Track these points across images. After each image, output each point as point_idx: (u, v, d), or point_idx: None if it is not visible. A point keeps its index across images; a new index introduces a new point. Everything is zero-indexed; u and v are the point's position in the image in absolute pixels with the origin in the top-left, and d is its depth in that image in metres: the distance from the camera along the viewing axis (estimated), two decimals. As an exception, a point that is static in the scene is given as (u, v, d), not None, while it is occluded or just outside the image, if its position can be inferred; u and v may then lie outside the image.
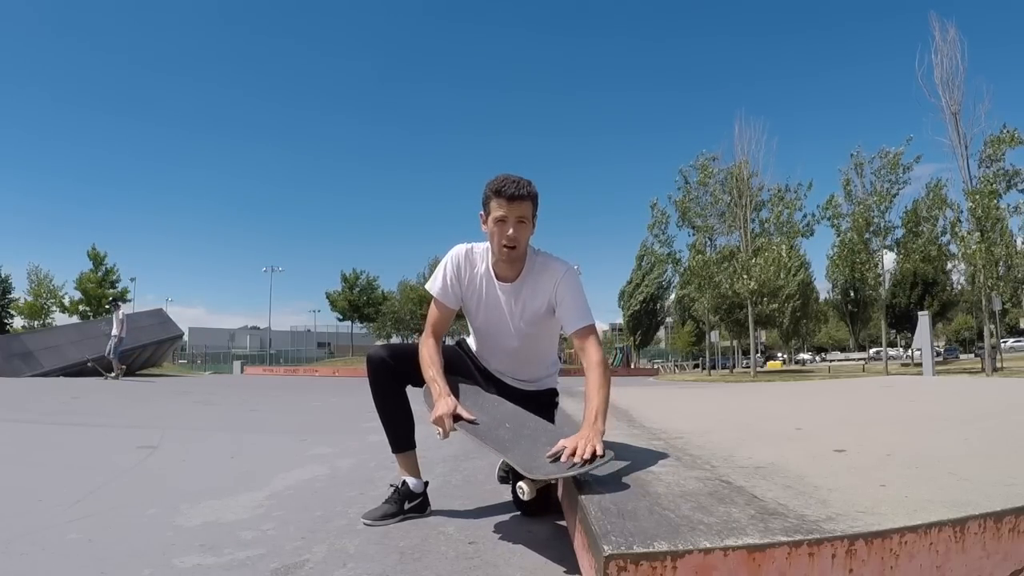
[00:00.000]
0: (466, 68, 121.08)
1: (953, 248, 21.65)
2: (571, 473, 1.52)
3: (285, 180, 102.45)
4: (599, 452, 1.54)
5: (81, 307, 37.33)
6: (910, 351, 38.18)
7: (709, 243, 27.03)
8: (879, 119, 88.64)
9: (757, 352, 33.76)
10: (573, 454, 1.53)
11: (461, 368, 2.10)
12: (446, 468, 2.93)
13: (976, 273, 20.27)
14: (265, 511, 2.15)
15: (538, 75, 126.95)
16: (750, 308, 26.40)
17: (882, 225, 23.10)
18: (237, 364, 34.44)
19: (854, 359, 51.96)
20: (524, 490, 1.61)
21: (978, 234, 19.16)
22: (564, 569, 1.54)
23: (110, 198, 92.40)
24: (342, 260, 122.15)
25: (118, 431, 4.64)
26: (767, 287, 26.48)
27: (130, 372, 17.19)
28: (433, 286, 2.04)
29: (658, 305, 46.71)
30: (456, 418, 1.76)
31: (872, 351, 51.25)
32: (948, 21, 21.13)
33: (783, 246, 25.68)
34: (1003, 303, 21.28)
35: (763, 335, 49.40)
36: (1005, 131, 19.04)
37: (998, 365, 20.35)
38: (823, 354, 69.01)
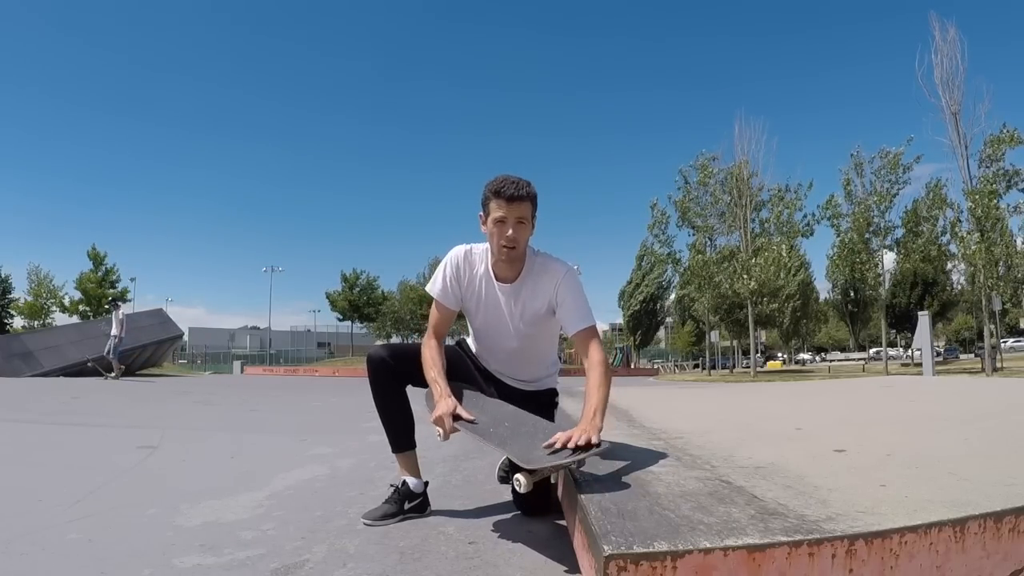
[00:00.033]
0: (466, 68, 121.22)
1: (953, 248, 21.66)
2: (566, 461, 1.54)
3: (285, 180, 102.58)
4: (594, 441, 1.57)
5: (81, 307, 37.31)
6: (910, 351, 38.18)
7: (709, 243, 27.05)
8: (879, 119, 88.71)
9: (757, 352, 33.76)
10: (568, 443, 1.55)
11: (461, 368, 2.10)
12: (446, 468, 2.93)
13: (976, 273, 20.27)
14: (265, 511, 2.15)
15: (538, 75, 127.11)
16: (750, 308, 26.41)
17: (882, 225, 23.12)
18: (237, 364, 34.44)
19: (854, 359, 51.96)
20: (521, 482, 1.62)
21: (978, 234, 19.16)
22: (564, 569, 1.54)
23: (110, 198, 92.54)
24: (342, 260, 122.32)
25: (118, 431, 4.64)
26: (767, 287, 26.51)
27: (130, 372, 17.21)
28: (433, 288, 2.05)
29: (658, 305, 46.72)
30: (456, 418, 1.76)
31: (872, 351, 51.25)
32: (948, 21, 21.18)
33: (783, 246, 25.68)
34: (1003, 303, 21.28)
35: (763, 335, 49.38)
36: (1005, 131, 19.05)
37: (998, 365, 20.35)
38: (823, 354, 69.01)
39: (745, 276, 24.93)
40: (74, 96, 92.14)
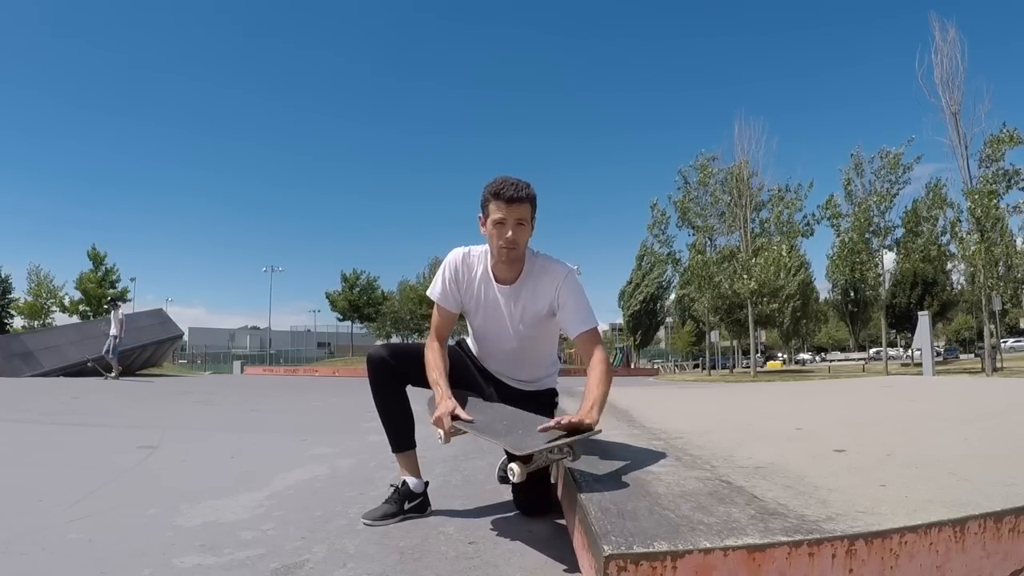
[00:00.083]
0: (466, 68, 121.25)
1: (953, 248, 21.65)
2: (559, 443, 1.56)
3: (285, 180, 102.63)
4: (588, 421, 1.60)
5: (81, 307, 37.30)
6: (910, 351, 38.17)
7: (709, 243, 27.04)
8: (879, 119, 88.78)
9: (757, 352, 33.76)
10: (561, 424, 1.58)
11: (461, 368, 2.10)
12: (446, 468, 2.93)
13: (976, 273, 20.26)
14: (265, 511, 2.15)
15: (538, 75, 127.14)
16: (750, 308, 26.41)
17: (882, 225, 23.11)
18: (237, 364, 34.43)
19: (854, 359, 51.95)
20: (515, 471, 1.63)
21: (978, 234, 19.16)
22: (564, 569, 1.54)
23: (110, 198, 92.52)
24: (342, 260, 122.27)
25: (118, 431, 4.64)
26: (767, 287, 26.49)
27: (130, 372, 17.21)
28: (433, 292, 2.06)
29: (658, 305, 46.72)
30: (455, 418, 1.77)
31: (872, 351, 51.25)
32: (948, 21, 21.17)
33: (783, 246, 25.67)
34: (1003, 303, 21.27)
35: (763, 335, 49.39)
36: (1004, 131, 19.04)
37: (998, 365, 20.35)
38: (823, 354, 69.01)
39: (745, 276, 24.93)
40: (74, 96, 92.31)
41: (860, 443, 2.20)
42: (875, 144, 33.76)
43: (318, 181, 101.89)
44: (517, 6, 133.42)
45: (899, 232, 23.24)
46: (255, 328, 67.21)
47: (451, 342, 2.28)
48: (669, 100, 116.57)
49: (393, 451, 2.09)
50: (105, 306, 30.51)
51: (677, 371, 42.88)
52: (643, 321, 45.67)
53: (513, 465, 1.63)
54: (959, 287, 34.28)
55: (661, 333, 55.88)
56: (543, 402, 2.14)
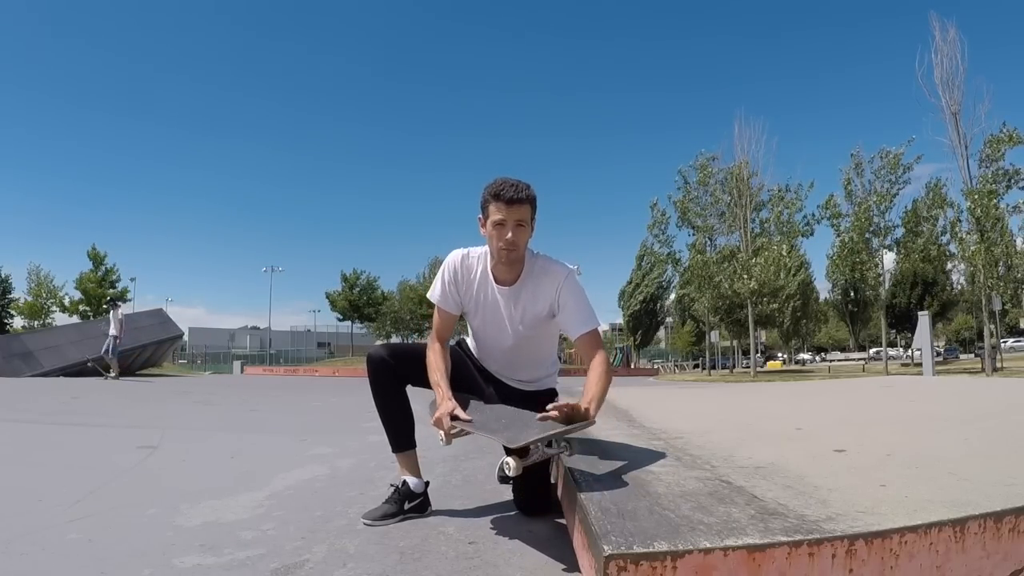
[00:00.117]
0: (466, 69, 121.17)
1: (953, 248, 21.65)
2: (553, 432, 1.57)
3: (285, 180, 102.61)
4: (584, 406, 1.62)
5: (81, 307, 37.30)
6: (910, 351, 38.15)
7: (709, 243, 27.04)
8: (879, 119, 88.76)
9: (757, 352, 33.76)
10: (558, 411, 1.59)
11: (462, 368, 2.10)
12: (446, 468, 2.93)
13: (976, 273, 20.26)
14: (265, 511, 2.15)
15: (538, 75, 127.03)
16: (750, 308, 26.41)
17: (882, 225, 23.11)
18: (237, 364, 34.41)
19: (854, 359, 51.95)
20: (511, 465, 1.64)
21: (978, 234, 19.16)
22: (564, 568, 1.54)
23: (110, 198, 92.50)
24: (342, 260, 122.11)
25: (118, 431, 4.64)
26: (767, 287, 26.48)
27: (130, 372, 17.22)
28: (433, 294, 2.06)
29: (658, 305, 46.71)
30: (454, 418, 1.77)
31: (872, 351, 51.24)
32: (948, 21, 21.15)
33: (783, 246, 25.68)
34: (1003, 303, 21.27)
35: (763, 335, 49.40)
36: (1004, 130, 19.04)
37: (998, 365, 20.34)
38: (823, 354, 69.01)
39: (745, 276, 24.93)
40: (74, 96, 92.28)
41: (860, 443, 2.20)
42: (875, 144, 33.81)
43: (318, 181, 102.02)
44: (517, 6, 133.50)
45: (899, 232, 23.26)
46: (255, 328, 67.20)
47: (451, 342, 2.29)
48: (669, 100, 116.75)
49: (393, 451, 2.09)
50: (104, 306, 30.50)
51: (677, 371, 42.89)
52: (643, 321, 45.66)
53: (509, 459, 1.64)
54: (959, 287, 34.30)
55: (661, 333, 55.88)
56: (543, 402, 2.13)
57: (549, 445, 1.76)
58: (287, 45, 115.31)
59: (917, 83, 21.26)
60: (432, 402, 1.92)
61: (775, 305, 33.51)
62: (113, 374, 12.90)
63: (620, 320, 51.32)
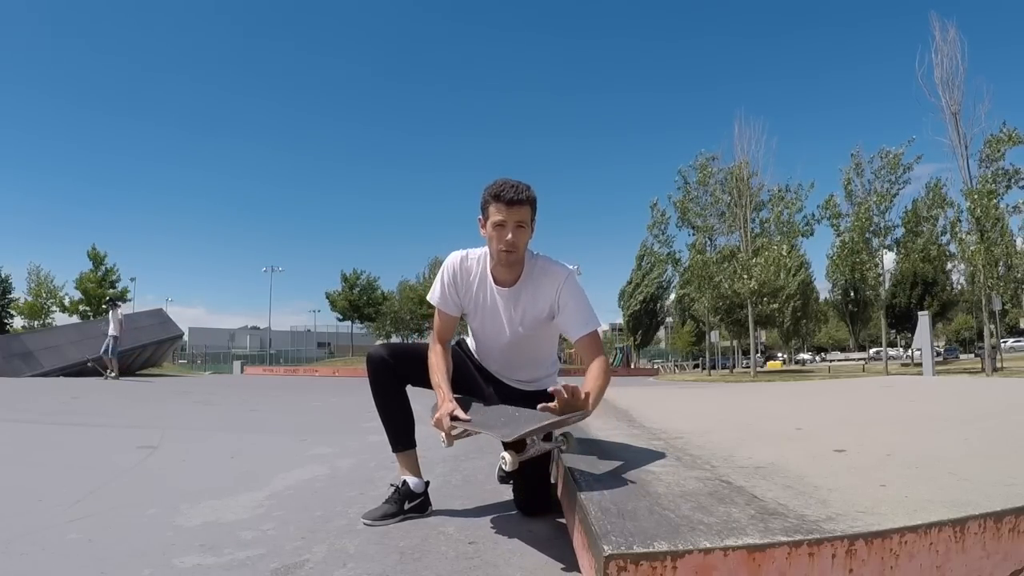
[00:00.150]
0: (466, 69, 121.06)
1: (953, 248, 21.66)
2: (546, 423, 1.58)
3: (285, 180, 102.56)
4: (584, 391, 1.63)
5: (81, 307, 37.30)
6: (910, 351, 38.15)
7: (709, 243, 27.05)
8: (879, 119, 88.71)
9: (757, 352, 33.76)
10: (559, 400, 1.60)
11: (462, 368, 2.11)
12: (446, 468, 2.93)
13: (976, 273, 20.26)
14: (265, 511, 2.15)
15: (538, 75, 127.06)
16: (750, 308, 26.41)
17: (882, 225, 23.12)
18: (237, 364, 34.42)
19: (854, 359, 51.94)
20: (507, 459, 1.65)
21: (977, 234, 19.16)
22: (564, 568, 1.54)
23: (110, 198, 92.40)
24: (342, 260, 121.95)
25: (118, 431, 4.64)
26: (767, 287, 26.49)
27: (130, 372, 17.22)
28: (433, 296, 2.06)
29: (658, 305, 46.71)
30: (454, 418, 1.78)
31: (872, 351, 51.24)
32: (948, 21, 21.15)
33: (783, 246, 25.68)
34: (1003, 303, 21.27)
35: (763, 335, 49.40)
36: (1004, 130, 19.04)
37: (998, 365, 20.34)
38: (823, 354, 69.01)
39: (745, 276, 24.93)
40: (74, 96, 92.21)
41: (860, 443, 2.20)
42: (875, 144, 33.81)
43: (318, 181, 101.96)
44: (517, 6, 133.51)
45: (899, 232, 23.27)
46: (255, 328, 67.20)
47: (451, 342, 2.29)
48: (669, 100, 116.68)
49: (393, 451, 2.09)
50: (104, 306, 30.50)
51: (677, 371, 42.88)
52: (643, 321, 45.66)
53: (505, 454, 1.65)
54: (959, 287, 34.28)
55: (661, 333, 55.88)
56: (543, 402, 2.14)
57: (547, 439, 1.76)
58: (287, 45, 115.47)
59: (917, 83, 21.30)
60: (434, 405, 1.92)
61: (775, 305, 33.48)
62: (113, 374, 12.90)
63: (620, 320, 51.33)
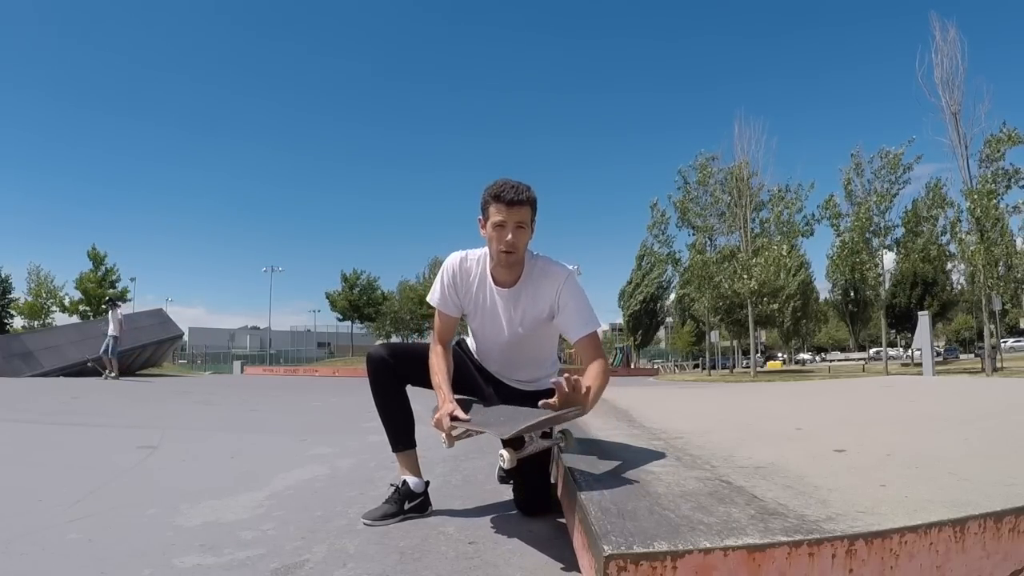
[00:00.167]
0: (466, 69, 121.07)
1: (953, 248, 21.66)
2: (543, 419, 1.58)
3: (285, 180, 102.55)
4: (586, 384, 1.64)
5: (81, 307, 37.31)
6: (910, 351, 38.15)
7: (709, 243, 27.05)
8: (879, 119, 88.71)
9: (757, 352, 33.76)
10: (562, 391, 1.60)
11: (462, 368, 2.11)
12: (446, 468, 2.93)
13: (976, 273, 20.27)
14: (265, 511, 2.15)
15: (538, 75, 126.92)
16: (750, 308, 26.41)
17: (882, 225, 23.12)
18: (237, 364, 34.41)
19: (854, 359, 51.94)
20: (505, 457, 1.66)
21: (977, 234, 19.16)
22: (564, 568, 1.54)
23: (110, 198, 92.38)
24: (342, 260, 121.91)
25: (118, 431, 4.64)
26: (767, 287, 26.50)
27: (130, 372, 17.22)
28: (432, 297, 2.07)
29: (658, 305, 46.71)
30: (453, 418, 1.78)
31: (872, 351, 51.24)
32: (948, 21, 21.15)
33: (783, 246, 25.68)
34: (1003, 303, 21.26)
35: (763, 335, 49.39)
36: (1004, 130, 19.04)
37: (998, 365, 20.34)
38: (823, 354, 69.01)
39: (745, 276, 24.93)
40: (74, 96, 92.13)
41: (860, 443, 2.20)
42: (875, 144, 33.82)
43: (318, 181, 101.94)
44: (517, 6, 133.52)
45: (899, 232, 23.27)
46: (255, 328, 67.20)
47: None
48: (669, 100, 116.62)
49: (393, 450, 2.10)
50: (103, 306, 30.49)
51: (677, 371, 42.88)
52: (643, 321, 45.65)
53: (503, 451, 1.65)
54: (959, 287, 34.28)
55: (661, 333, 55.88)
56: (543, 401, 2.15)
57: (545, 436, 1.76)
58: (287, 45, 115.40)
59: (917, 83, 21.31)
60: (435, 406, 1.93)
61: (775, 305, 33.48)
62: (113, 374, 12.90)
63: (620, 320, 51.33)
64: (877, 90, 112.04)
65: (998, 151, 19.03)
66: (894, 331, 39.56)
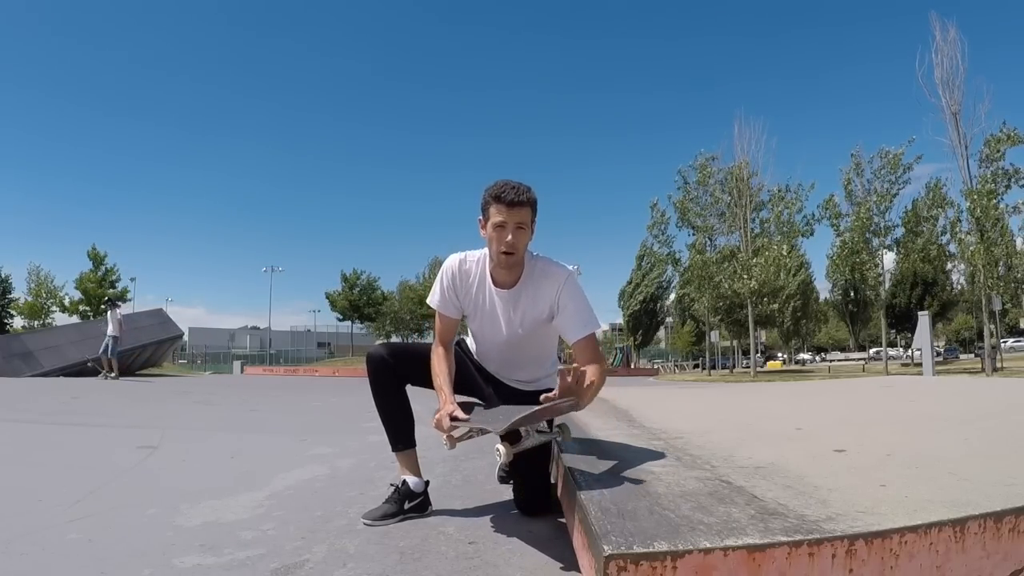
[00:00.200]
0: (466, 69, 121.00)
1: (953, 248, 21.67)
2: (536, 409, 1.59)
3: (285, 180, 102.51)
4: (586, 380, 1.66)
5: (81, 307, 37.32)
6: (910, 351, 38.14)
7: (709, 243, 27.04)
8: (879, 119, 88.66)
9: (757, 352, 33.76)
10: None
11: (462, 369, 2.11)
12: (446, 468, 2.93)
13: (976, 273, 20.27)
14: (265, 511, 2.15)
15: (538, 75, 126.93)
16: (750, 308, 26.41)
17: (882, 225, 23.12)
18: (237, 364, 34.42)
19: (854, 359, 51.93)
20: (501, 451, 1.66)
21: (977, 235, 19.16)
22: (564, 568, 1.54)
23: (110, 198, 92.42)
24: (342, 260, 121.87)
25: (118, 431, 4.64)
26: (767, 287, 26.49)
27: (130, 372, 17.22)
28: (432, 300, 2.07)
29: (658, 305, 46.69)
30: (453, 418, 1.78)
31: (872, 351, 51.24)
32: (949, 21, 21.16)
33: (783, 246, 25.68)
34: (1003, 303, 21.26)
35: (763, 335, 49.40)
36: (1004, 130, 19.03)
37: (998, 365, 20.34)
38: (823, 354, 69.01)
39: (745, 276, 24.93)
40: (74, 96, 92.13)
41: (860, 443, 2.20)
42: (875, 144, 33.83)
43: (318, 181, 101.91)
44: (517, 6, 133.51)
45: (899, 232, 23.28)
46: (255, 328, 67.20)
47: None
48: (669, 100, 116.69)
49: (393, 450, 2.10)
50: (101, 307, 30.49)
51: (677, 371, 42.87)
52: (643, 321, 45.63)
53: (500, 446, 1.66)
54: (959, 287, 34.28)
55: (661, 333, 55.86)
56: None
57: (543, 430, 1.77)
58: (287, 45, 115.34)
59: (917, 83, 21.31)
60: (437, 408, 1.93)
61: (775, 305, 33.46)
62: (113, 374, 12.90)
63: (620, 320, 51.32)
64: (877, 90, 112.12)
65: (998, 151, 19.03)
66: (894, 331, 39.56)
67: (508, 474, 2.39)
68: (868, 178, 23.02)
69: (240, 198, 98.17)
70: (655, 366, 45.68)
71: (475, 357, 2.20)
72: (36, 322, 36.67)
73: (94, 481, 2.61)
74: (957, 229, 20.60)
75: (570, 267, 2.02)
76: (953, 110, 20.38)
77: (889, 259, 25.71)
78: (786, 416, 3.47)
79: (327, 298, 50.41)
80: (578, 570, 1.39)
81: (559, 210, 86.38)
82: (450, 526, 1.95)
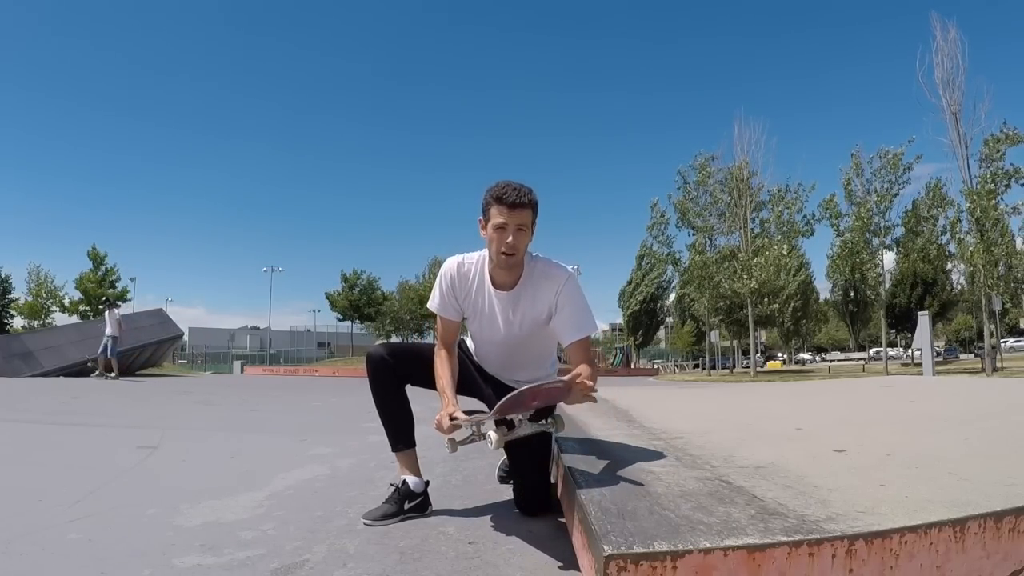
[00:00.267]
0: (466, 68, 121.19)
1: (953, 248, 21.67)
2: (524, 389, 1.59)
3: (285, 180, 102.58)
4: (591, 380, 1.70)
5: (81, 307, 37.31)
6: (910, 351, 38.14)
7: (709, 243, 27.04)
8: (879, 119, 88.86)
9: (757, 352, 33.75)
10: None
11: (462, 369, 2.11)
12: (446, 468, 2.93)
13: (976, 273, 20.27)
14: (265, 511, 2.15)
15: (538, 75, 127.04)
16: (750, 308, 26.40)
17: (882, 225, 23.12)
18: (237, 364, 34.41)
19: (854, 359, 51.92)
20: (492, 438, 1.67)
21: (977, 235, 19.16)
22: (564, 567, 1.54)
23: (110, 198, 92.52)
24: (342, 260, 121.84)
25: (118, 431, 4.64)
26: (767, 287, 26.49)
27: (130, 372, 17.22)
28: (433, 303, 2.07)
29: (658, 305, 46.71)
30: (453, 418, 1.78)
31: (872, 351, 51.24)
32: (949, 21, 21.16)
33: (783, 246, 25.67)
34: (1003, 303, 21.26)
35: (763, 335, 49.41)
36: (1004, 130, 19.03)
37: (998, 365, 20.34)
38: (823, 354, 69.00)
39: (745, 276, 24.93)
40: (74, 96, 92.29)
41: (860, 443, 2.20)
42: (875, 144, 33.88)
43: (318, 181, 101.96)
44: (518, 6, 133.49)
45: (899, 232, 23.30)
46: (255, 328, 67.22)
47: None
48: (669, 100, 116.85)
49: (393, 450, 2.10)
50: (100, 307, 30.48)
51: (677, 371, 42.85)
52: (643, 321, 45.64)
53: (491, 433, 1.67)
54: (959, 287, 34.27)
55: (661, 333, 55.86)
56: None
57: (535, 419, 1.77)
58: (287, 45, 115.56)
59: (917, 83, 21.32)
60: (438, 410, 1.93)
61: (775, 305, 33.46)
62: (113, 374, 12.90)
63: (620, 320, 51.33)
64: (877, 90, 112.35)
65: (998, 151, 19.03)
66: (894, 331, 39.55)
67: (508, 474, 2.40)
68: (868, 178, 23.07)
69: (240, 198, 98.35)
70: (655, 366, 45.66)
71: (474, 358, 2.21)
72: (36, 322, 36.66)
73: (94, 481, 2.60)
74: (957, 229, 20.61)
75: (570, 268, 2.02)
76: (953, 110, 20.40)
77: (889, 259, 25.75)
78: (786, 416, 3.47)
79: (327, 298, 50.41)
80: (578, 570, 1.39)
81: (559, 210, 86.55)
82: (450, 526, 1.95)
